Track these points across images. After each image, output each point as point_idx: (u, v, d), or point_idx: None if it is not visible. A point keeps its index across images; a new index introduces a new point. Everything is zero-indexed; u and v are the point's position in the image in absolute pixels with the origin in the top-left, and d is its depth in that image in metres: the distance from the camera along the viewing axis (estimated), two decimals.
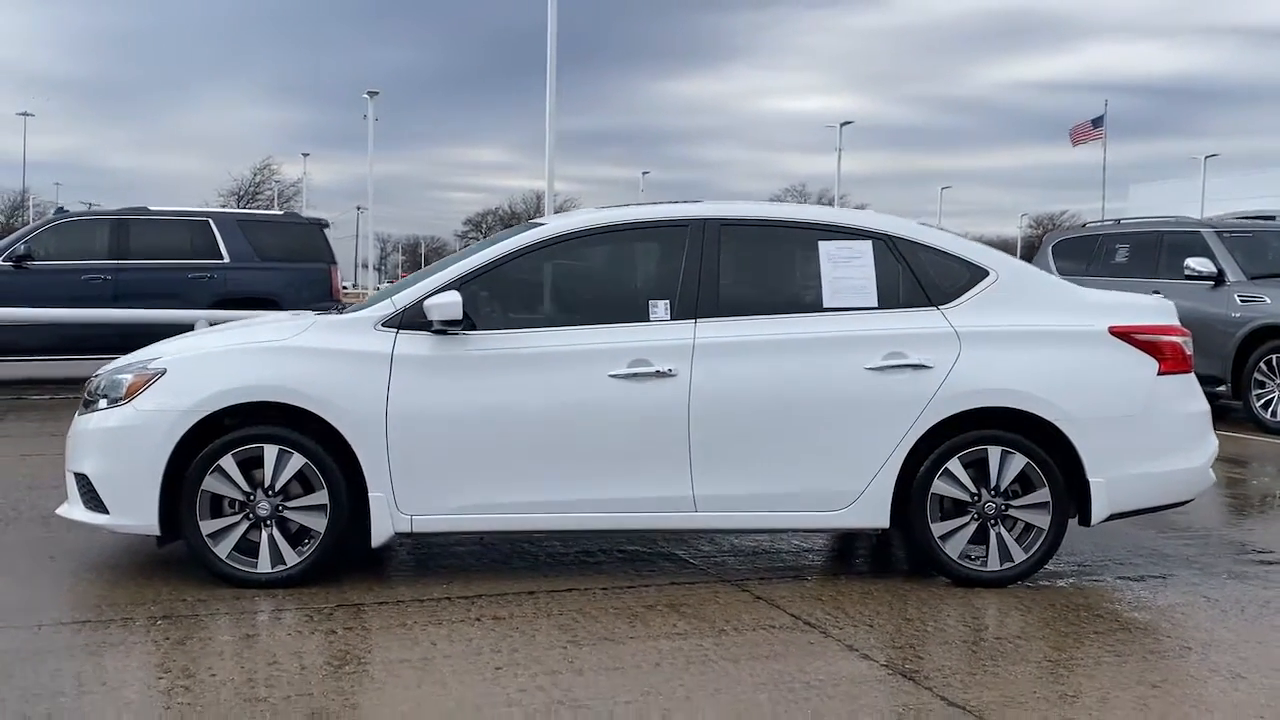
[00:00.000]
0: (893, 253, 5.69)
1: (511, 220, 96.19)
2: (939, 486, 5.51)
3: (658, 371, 5.39)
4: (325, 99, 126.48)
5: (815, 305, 5.63)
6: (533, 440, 5.38)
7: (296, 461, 5.32)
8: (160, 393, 5.33)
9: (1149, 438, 5.61)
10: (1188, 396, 5.73)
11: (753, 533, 6.28)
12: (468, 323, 5.43)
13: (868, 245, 5.70)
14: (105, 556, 5.82)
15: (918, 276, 5.67)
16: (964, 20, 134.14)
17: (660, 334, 5.47)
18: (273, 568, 5.33)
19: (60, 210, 16.25)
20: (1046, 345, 5.59)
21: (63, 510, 5.61)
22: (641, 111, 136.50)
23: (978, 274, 5.71)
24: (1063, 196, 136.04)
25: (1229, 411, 12.83)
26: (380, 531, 5.35)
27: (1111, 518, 5.66)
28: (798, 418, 5.45)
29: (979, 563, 5.55)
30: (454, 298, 5.31)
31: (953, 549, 5.54)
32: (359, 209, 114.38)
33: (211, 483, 5.29)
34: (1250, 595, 5.51)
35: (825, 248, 5.68)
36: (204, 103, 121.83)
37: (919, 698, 4.09)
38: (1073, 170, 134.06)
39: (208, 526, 5.31)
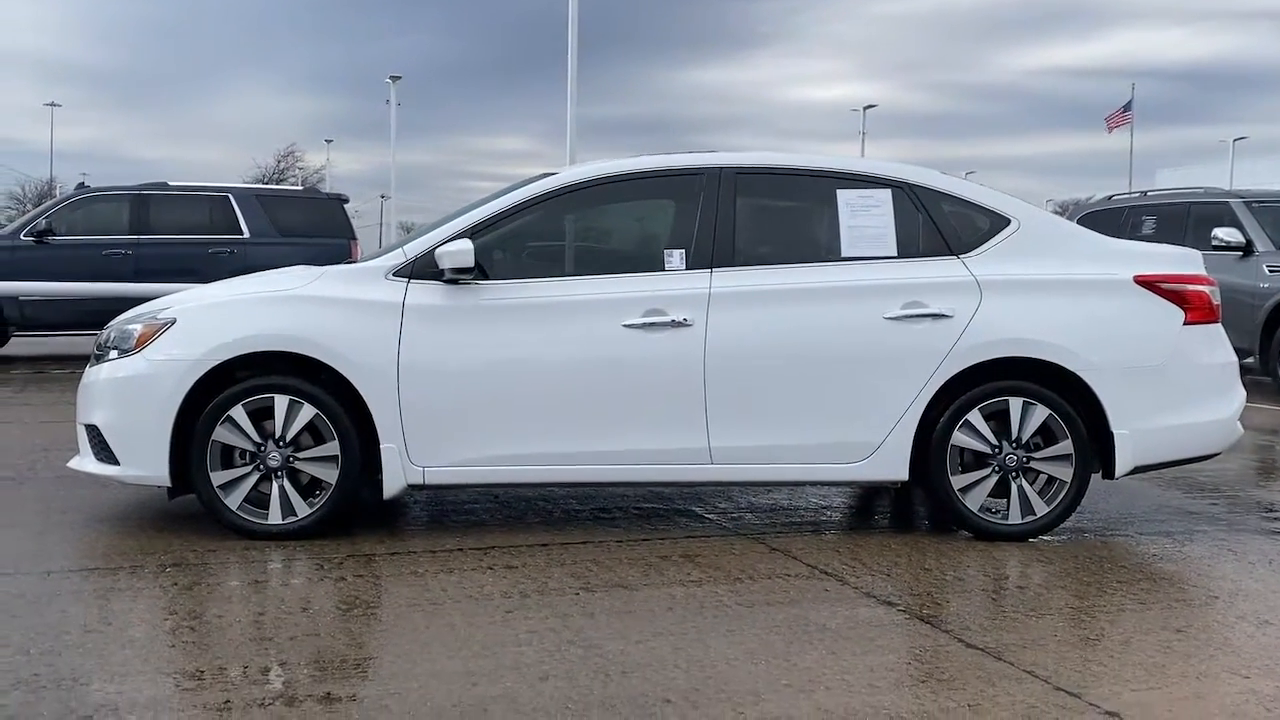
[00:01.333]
0: (912, 201, 5.59)
1: None
2: (959, 438, 5.41)
3: (673, 321, 5.31)
4: (350, 88, 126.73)
5: (833, 254, 5.53)
6: (545, 391, 5.31)
7: (307, 412, 5.26)
8: (170, 342, 5.28)
9: (1174, 389, 5.50)
10: (1215, 347, 5.61)
11: (770, 485, 6.18)
12: (480, 272, 5.36)
13: (887, 194, 5.60)
14: (118, 510, 5.79)
15: (938, 225, 5.56)
16: (992, 6, 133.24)
17: (676, 283, 5.38)
18: (284, 519, 5.27)
19: (81, 186, 16.27)
20: (1069, 294, 5.48)
21: (74, 463, 5.58)
22: (666, 99, 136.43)
23: (999, 223, 5.60)
24: (1089, 184, 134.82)
25: (1258, 384, 12.65)
26: (392, 483, 5.29)
27: (1136, 470, 5.55)
28: (814, 368, 5.36)
29: (999, 516, 5.46)
30: (465, 245, 5.24)
31: (973, 502, 5.44)
32: (383, 197, 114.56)
33: (222, 433, 5.24)
34: (1278, 549, 5.39)
35: (844, 196, 5.58)
36: (230, 92, 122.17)
37: (937, 640, 4.00)
38: (1099, 157, 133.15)
39: (218, 478, 5.26)
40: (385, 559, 4.98)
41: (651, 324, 5.30)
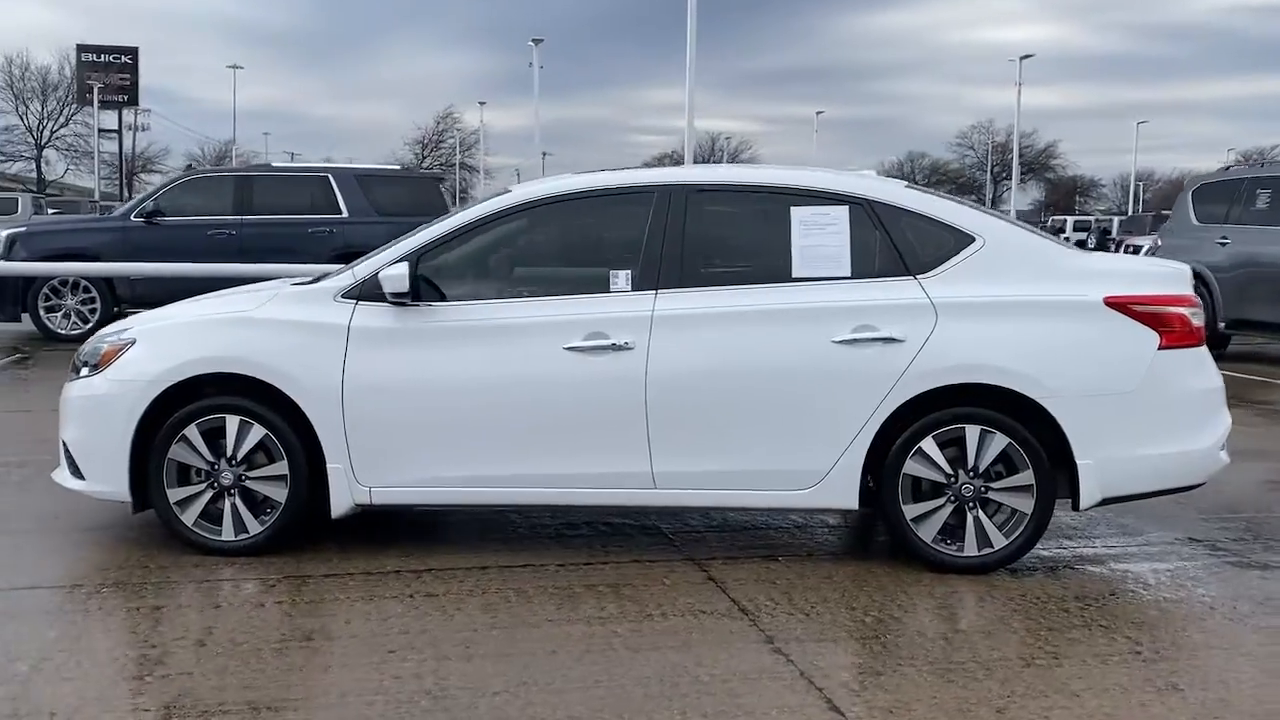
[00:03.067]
0: (871, 218, 5.37)
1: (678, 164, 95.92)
2: (912, 467, 5.22)
3: (614, 344, 5.23)
4: (510, 44, 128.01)
5: (785, 275, 5.36)
6: (488, 414, 5.30)
7: (257, 432, 5.36)
8: (129, 363, 5.45)
9: (1146, 417, 5.19)
10: (1194, 372, 5.27)
11: (718, 510, 6.03)
12: (436, 294, 5.38)
13: (844, 211, 5.40)
14: (98, 520, 5.96)
15: (896, 244, 5.34)
16: None
17: (619, 305, 5.30)
18: (236, 536, 5.40)
19: (189, 168, 16.88)
20: (1031, 317, 5.21)
21: (55, 475, 5.80)
22: (834, 47, 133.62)
23: (963, 241, 5.35)
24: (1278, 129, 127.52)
25: None
26: (339, 503, 5.37)
27: (1106, 502, 5.27)
28: (760, 393, 5.23)
29: (955, 548, 5.25)
30: (401, 270, 5.25)
31: (926, 532, 5.25)
32: (544, 155, 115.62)
33: (178, 451, 5.39)
34: (1254, 592, 5.06)
35: (798, 213, 5.40)
36: (398, 51, 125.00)
37: (804, 699, 3.88)
38: None
39: (175, 494, 5.41)
40: (318, 581, 5.06)
41: (593, 347, 5.24)
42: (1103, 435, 5.16)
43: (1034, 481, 5.18)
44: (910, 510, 5.24)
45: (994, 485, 5.22)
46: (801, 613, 4.71)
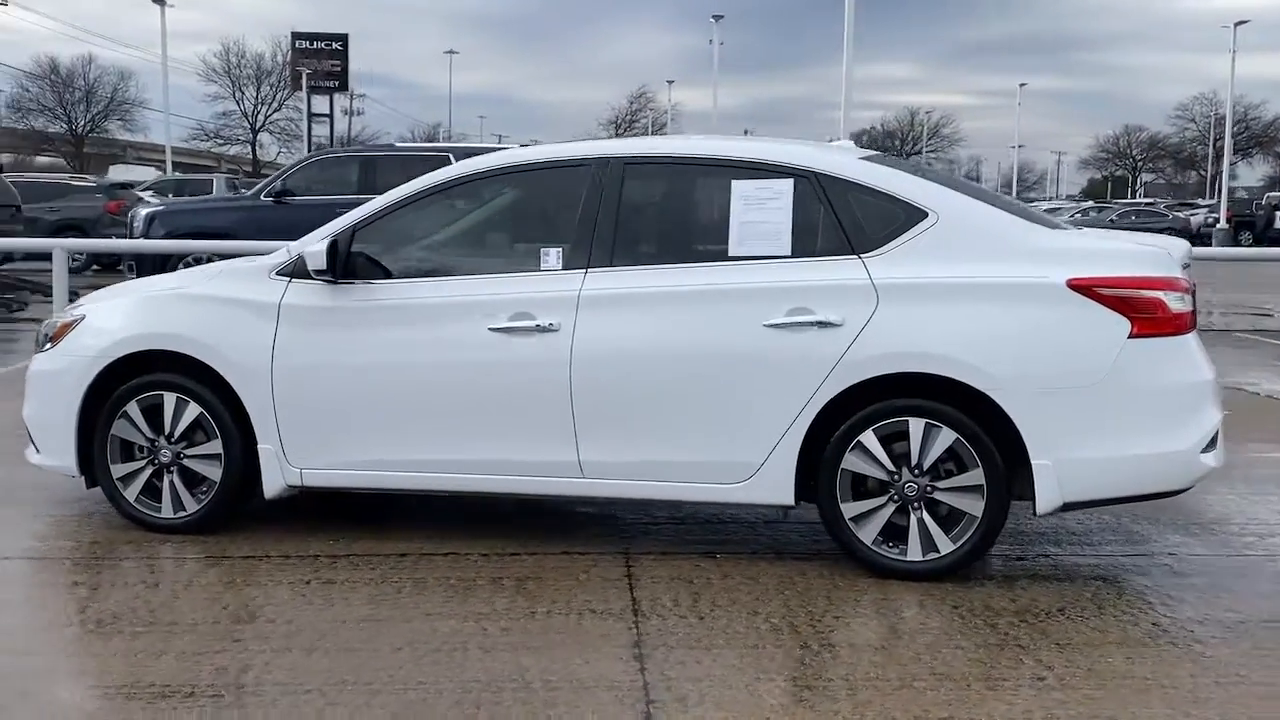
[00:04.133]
0: (817, 192, 4.96)
1: (885, 139, 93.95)
2: (852, 462, 4.80)
3: (538, 326, 4.98)
4: (723, 23, 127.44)
5: (723, 254, 5.00)
6: (413, 397, 5.13)
7: (193, 410, 5.32)
8: (76, 338, 5.48)
9: (1114, 413, 4.64)
10: (1171, 364, 4.68)
11: (650, 502, 5.61)
12: (376, 272, 5.23)
13: (788, 185, 4.99)
14: (71, 495, 6.01)
15: (841, 220, 4.91)
16: None
17: (546, 285, 5.05)
18: (174, 513, 5.39)
19: (319, 149, 17.27)
20: (983, 301, 4.72)
21: (26, 451, 5.86)
22: (1061, 17, 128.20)
23: (915, 216, 4.88)
24: None
25: None
26: (271, 484, 5.29)
27: (1069, 507, 4.74)
28: (689, 379, 4.90)
29: (898, 551, 4.81)
30: (319, 247, 5.12)
31: (867, 534, 4.83)
32: (746, 132, 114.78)
33: (120, 427, 5.40)
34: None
35: (739, 187, 5.02)
36: (612, 33, 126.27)
37: (620, 711, 3.57)
38: None
39: (117, 470, 5.43)
40: (232, 563, 5.00)
41: (517, 328, 5.00)
42: (1063, 433, 4.64)
43: (984, 481, 4.70)
44: (849, 509, 4.83)
45: (940, 485, 4.76)
46: (696, 616, 4.38)
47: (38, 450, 5.60)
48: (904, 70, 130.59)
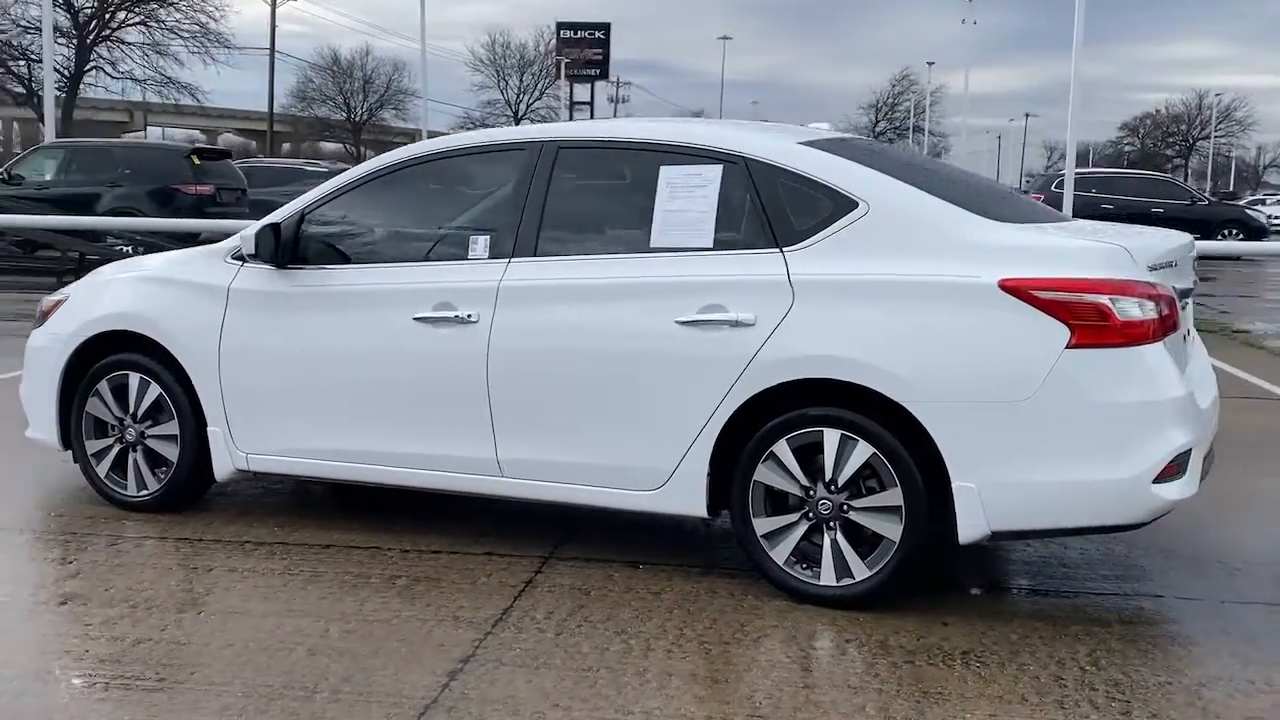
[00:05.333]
0: (746, 180, 4.57)
1: (1171, 124, 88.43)
2: (764, 474, 4.42)
3: (457, 317, 4.80)
4: (1013, 3, 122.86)
5: (645, 245, 4.69)
6: (342, 386, 5.05)
7: (154, 390, 5.41)
8: (58, 318, 5.66)
9: (1047, 433, 4.08)
10: (1117, 379, 4.07)
11: (572, 506, 5.23)
12: (323, 256, 5.18)
13: (718, 171, 4.62)
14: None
15: (767, 210, 4.51)
16: None
17: (469, 275, 4.86)
18: (138, 492, 5.49)
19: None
20: (904, 301, 4.24)
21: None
22: None
23: (844, 206, 4.43)
24: None
25: None
26: (220, 467, 5.31)
27: (999, 537, 4.22)
28: (602, 378, 4.61)
29: (810, 574, 4.40)
30: (251, 231, 5.10)
31: (779, 553, 4.43)
32: (1027, 116, 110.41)
33: (93, 405, 5.54)
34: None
35: (667, 174, 4.69)
36: (882, 15, 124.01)
37: None
38: None
39: (91, 446, 5.57)
40: (163, 542, 5.05)
41: (438, 319, 4.84)
42: (988, 453, 4.12)
43: (902, 503, 4.22)
44: (761, 525, 4.45)
45: (856, 504, 4.31)
46: (555, 631, 4.10)
47: (29, 423, 5.81)
48: (1208, 48, 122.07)
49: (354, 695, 3.58)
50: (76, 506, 5.53)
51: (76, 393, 5.56)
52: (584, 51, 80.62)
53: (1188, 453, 4.13)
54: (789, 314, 4.33)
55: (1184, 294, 4.58)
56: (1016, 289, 4.10)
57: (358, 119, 73.24)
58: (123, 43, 41.55)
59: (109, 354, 5.49)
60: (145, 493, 5.46)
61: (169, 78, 42.08)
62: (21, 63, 38.12)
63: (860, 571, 4.31)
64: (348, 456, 5.06)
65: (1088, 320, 4.04)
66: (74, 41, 40.00)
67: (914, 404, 4.15)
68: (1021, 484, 4.10)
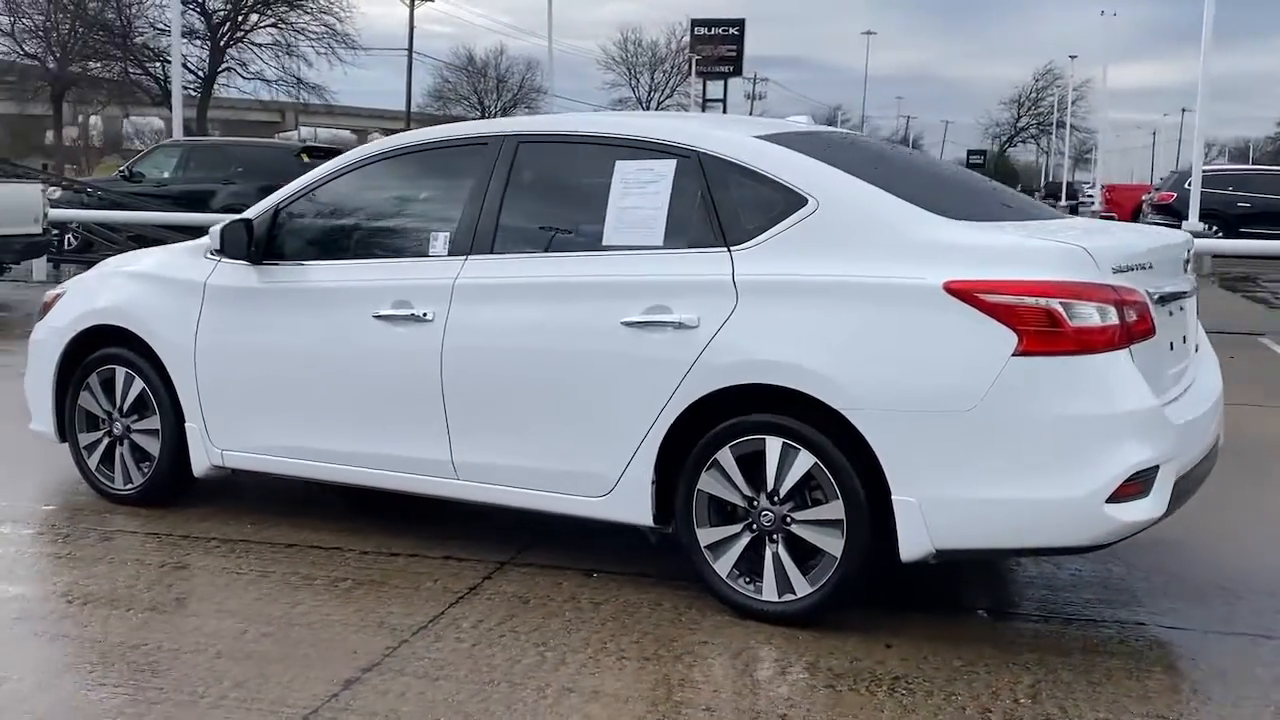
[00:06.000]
0: (699, 175, 4.38)
1: None
2: (708, 483, 4.23)
3: (413, 315, 4.71)
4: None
5: (599, 242, 4.53)
6: (305, 383, 5.00)
7: (139, 385, 5.44)
8: (55, 312, 5.74)
9: (991, 445, 3.81)
10: (1067, 389, 3.77)
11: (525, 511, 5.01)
12: (290, 253, 5.14)
13: (671, 166, 4.44)
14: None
15: (717, 207, 4.32)
16: None
17: (428, 272, 4.76)
18: (124, 485, 5.53)
19: None
20: (846, 304, 4.00)
21: None
22: None
23: (793, 204, 4.21)
24: None
25: None
26: (198, 462, 5.32)
27: (945, 556, 3.95)
28: (548, 380, 4.47)
29: (753, 588, 4.19)
30: (218, 226, 5.09)
31: (723, 565, 4.24)
32: (1183, 111, 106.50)
33: (84, 399, 5.60)
34: None
35: (622, 169, 4.52)
36: (1035, 7, 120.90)
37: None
38: None
39: (83, 439, 5.64)
40: (132, 538, 5.08)
41: (397, 316, 4.76)
42: (930, 466, 3.86)
43: (843, 516, 3.99)
44: (705, 535, 4.26)
45: (798, 516, 4.09)
46: (474, 641, 3.97)
47: (33, 417, 5.90)
48: None
49: (237, 702, 3.50)
50: (69, 499, 5.59)
51: (70, 386, 5.62)
52: (717, 48, 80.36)
53: (1152, 471, 3.81)
54: (731, 316, 4.13)
55: (1173, 297, 4.24)
56: (962, 292, 3.83)
57: (491, 118, 74.22)
58: (254, 45, 42.80)
59: (100, 348, 5.53)
60: (130, 486, 5.50)
61: (299, 78, 43.21)
62: (158, 65, 39.54)
63: (802, 587, 4.09)
64: (314, 455, 5.01)
65: (1036, 326, 3.75)
66: (207, 44, 41.35)
67: (853, 412, 3.92)
68: (965, 500, 3.83)
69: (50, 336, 5.67)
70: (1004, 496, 3.79)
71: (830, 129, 5.57)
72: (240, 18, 42.49)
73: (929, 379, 3.84)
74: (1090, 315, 3.76)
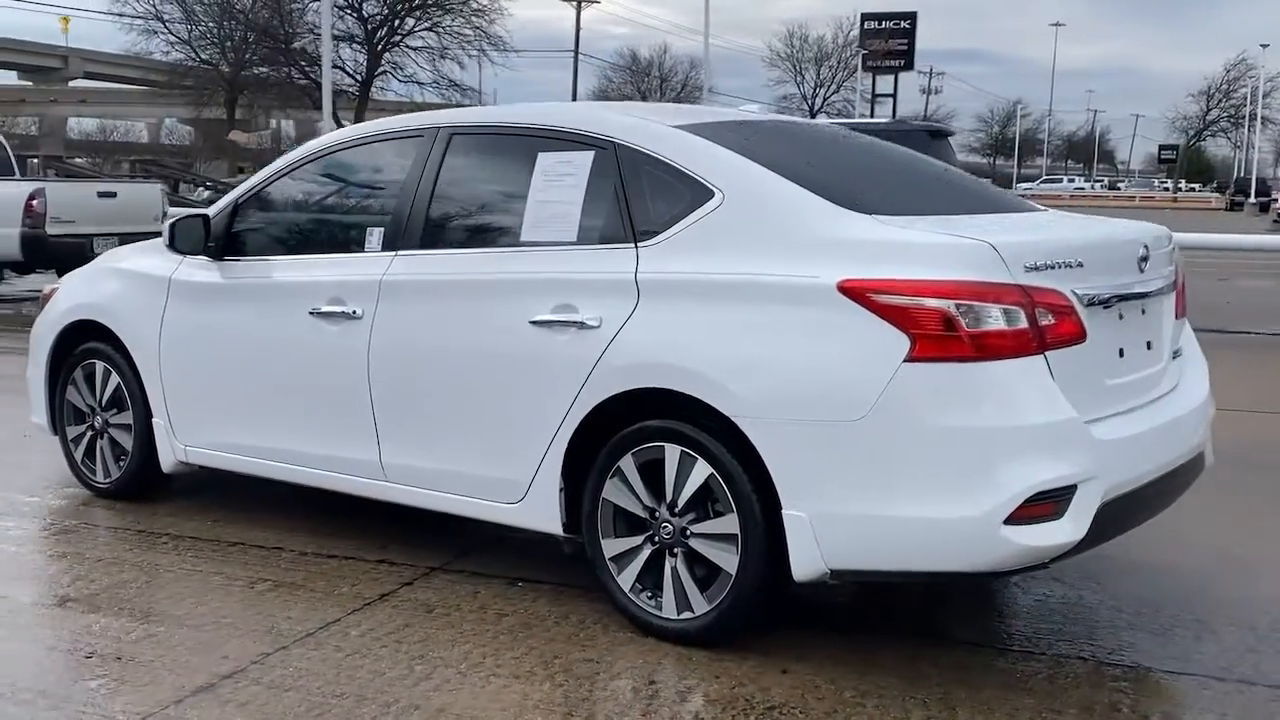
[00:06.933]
0: (614, 167, 4.16)
1: None
2: (611, 491, 4.01)
3: (345, 312, 4.62)
4: None
5: (517, 237, 4.36)
6: (253, 380, 4.96)
7: (114, 380, 5.50)
8: (48, 307, 5.84)
9: (882, 459, 3.48)
10: (963, 399, 3.42)
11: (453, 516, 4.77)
12: (251, 246, 5.11)
13: (588, 157, 4.23)
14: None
15: (629, 201, 4.09)
16: None
17: (360, 268, 4.66)
18: (104, 478, 5.59)
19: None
20: (741, 304, 3.73)
21: None
22: None
23: (700, 197, 3.95)
24: None
25: None
26: (164, 458, 5.34)
27: (843, 577, 3.65)
28: (464, 381, 4.32)
29: (654, 604, 3.96)
30: (169, 221, 5.09)
31: (626, 578, 4.02)
32: None
33: (70, 392, 5.69)
34: None
35: (543, 161, 4.33)
36: None
37: None
38: None
39: (70, 432, 5.73)
40: (87, 531, 5.11)
41: (331, 313, 4.67)
42: (820, 479, 3.57)
43: (738, 530, 3.73)
44: (610, 546, 4.04)
45: (696, 529, 3.85)
46: (347, 653, 3.84)
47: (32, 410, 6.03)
48: None
49: (80, 707, 3.44)
50: (59, 490, 5.68)
51: (60, 379, 5.71)
52: (887, 42, 79.03)
53: (1067, 491, 3.43)
54: (632, 317, 3.90)
55: (1125, 298, 3.84)
56: (854, 291, 3.52)
57: None
58: (410, 48, 43.77)
59: (84, 342, 5.60)
60: (108, 480, 5.56)
61: (453, 81, 44.06)
62: (317, 69, 40.69)
63: (700, 605, 3.83)
64: (264, 454, 4.96)
65: (930, 329, 3.42)
66: (364, 49, 42.47)
67: (743, 419, 3.65)
68: (856, 517, 3.52)
69: (44, 330, 5.77)
70: (897, 514, 3.47)
71: (782, 118, 5.25)
72: (397, 22, 43.52)
73: (820, 385, 3.55)
74: (993, 318, 3.42)
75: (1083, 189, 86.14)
